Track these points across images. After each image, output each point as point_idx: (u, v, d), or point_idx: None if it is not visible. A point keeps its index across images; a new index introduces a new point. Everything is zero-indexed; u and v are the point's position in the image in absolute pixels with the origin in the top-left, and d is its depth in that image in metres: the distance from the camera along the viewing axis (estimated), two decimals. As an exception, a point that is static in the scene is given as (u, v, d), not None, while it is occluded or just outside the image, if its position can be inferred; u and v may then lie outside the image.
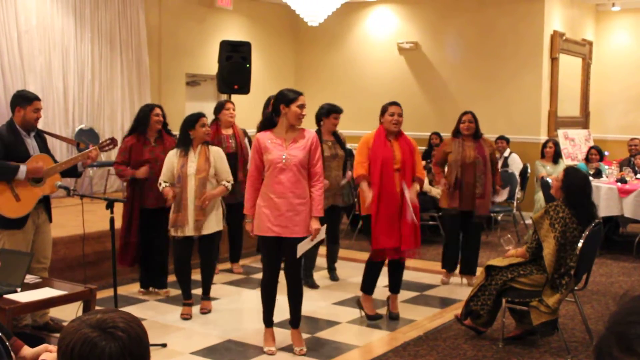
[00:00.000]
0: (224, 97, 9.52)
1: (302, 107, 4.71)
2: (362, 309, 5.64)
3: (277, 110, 4.74)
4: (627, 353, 1.05)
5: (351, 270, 7.13)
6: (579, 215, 4.76)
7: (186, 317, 5.60)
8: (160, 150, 5.91)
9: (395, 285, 5.72)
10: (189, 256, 5.67)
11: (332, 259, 6.99)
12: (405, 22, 11.40)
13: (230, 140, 6.78)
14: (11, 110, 4.98)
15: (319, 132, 6.45)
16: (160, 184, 5.53)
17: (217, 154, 5.64)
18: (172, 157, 5.53)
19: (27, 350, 2.78)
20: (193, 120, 5.54)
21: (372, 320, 5.56)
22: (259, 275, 6.98)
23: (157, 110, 6.00)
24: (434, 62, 11.15)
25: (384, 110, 5.55)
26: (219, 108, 6.88)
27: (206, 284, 5.81)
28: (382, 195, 5.36)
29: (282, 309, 5.05)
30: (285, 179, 4.67)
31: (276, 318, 5.04)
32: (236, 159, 6.68)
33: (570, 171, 5.07)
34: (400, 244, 5.38)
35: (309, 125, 7.04)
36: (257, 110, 10.17)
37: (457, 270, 6.91)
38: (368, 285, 5.63)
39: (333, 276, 6.92)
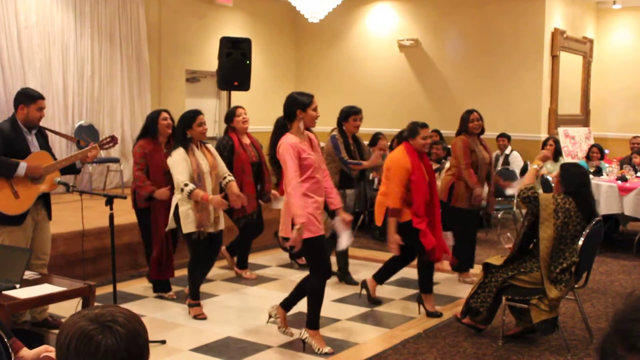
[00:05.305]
0: (224, 93, 9.51)
1: (316, 109, 4.81)
2: (424, 306, 5.79)
3: (292, 115, 4.76)
4: (631, 351, 1.04)
5: (351, 267, 7.12)
6: (580, 207, 4.73)
7: (204, 316, 5.53)
8: None
9: (385, 279, 6.06)
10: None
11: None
12: (405, 19, 11.38)
13: (251, 150, 6.47)
14: (14, 107, 4.97)
15: (343, 134, 6.40)
16: (186, 185, 5.20)
17: (213, 149, 5.67)
18: (185, 156, 5.28)
19: (26, 352, 2.75)
20: (190, 118, 5.38)
21: (433, 316, 5.69)
22: (260, 272, 7.00)
23: (165, 115, 5.87)
24: (435, 59, 11.14)
25: (415, 132, 5.64)
26: (231, 116, 6.47)
27: (201, 282, 5.79)
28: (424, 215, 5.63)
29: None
30: (321, 178, 4.82)
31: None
32: (259, 169, 6.49)
33: (566, 165, 5.09)
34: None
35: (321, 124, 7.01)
36: (257, 107, 10.19)
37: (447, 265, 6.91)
38: (431, 284, 5.84)
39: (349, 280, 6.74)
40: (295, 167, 4.61)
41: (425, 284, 5.78)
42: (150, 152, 5.77)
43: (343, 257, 6.73)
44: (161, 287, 6.10)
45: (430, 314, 5.69)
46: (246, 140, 6.50)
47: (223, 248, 6.92)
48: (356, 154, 6.46)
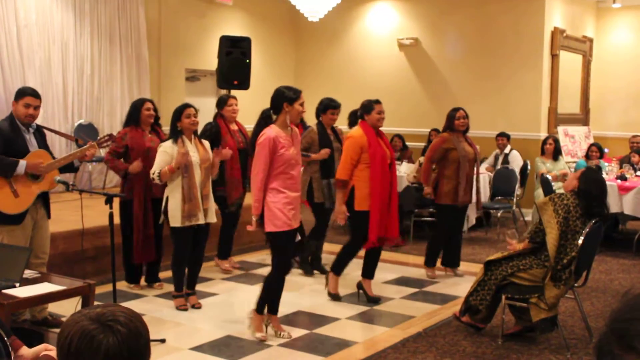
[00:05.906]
0: (224, 92, 9.50)
1: (303, 104, 4.91)
2: (363, 290, 5.99)
3: (278, 108, 4.83)
4: (628, 350, 1.04)
5: (350, 266, 7.12)
6: (589, 209, 4.73)
7: (185, 307, 5.65)
8: (158, 140, 5.90)
9: (373, 271, 6.10)
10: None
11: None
12: (405, 18, 11.38)
13: (239, 136, 6.68)
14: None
15: (321, 125, 6.56)
16: (153, 173, 5.42)
17: (207, 144, 5.78)
18: (168, 149, 5.45)
19: (25, 350, 2.75)
20: (179, 111, 5.54)
21: (335, 299, 5.93)
22: (259, 271, 7.00)
23: (148, 105, 5.99)
24: (434, 58, 11.13)
25: (370, 108, 5.78)
26: (222, 103, 6.71)
27: (196, 277, 5.84)
28: (378, 191, 5.72)
29: (286, 303, 5.12)
30: (296, 174, 4.90)
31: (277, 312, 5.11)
32: (246, 155, 6.57)
33: (591, 168, 5.14)
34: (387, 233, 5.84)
35: (309, 119, 7.11)
36: (257, 105, 10.16)
37: (439, 264, 6.95)
38: (342, 268, 6.04)
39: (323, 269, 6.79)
40: (264, 166, 4.74)
41: (368, 270, 6.03)
42: (133, 139, 5.89)
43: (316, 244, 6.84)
44: (131, 277, 6.18)
45: (371, 299, 5.93)
46: (234, 127, 6.70)
47: (216, 259, 6.99)
48: (337, 143, 6.59)
